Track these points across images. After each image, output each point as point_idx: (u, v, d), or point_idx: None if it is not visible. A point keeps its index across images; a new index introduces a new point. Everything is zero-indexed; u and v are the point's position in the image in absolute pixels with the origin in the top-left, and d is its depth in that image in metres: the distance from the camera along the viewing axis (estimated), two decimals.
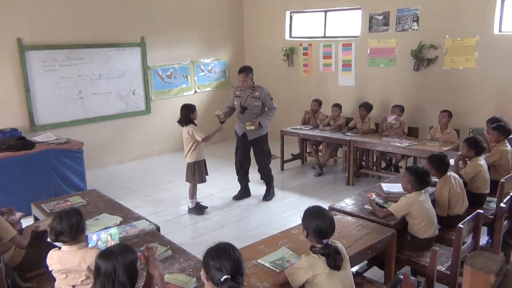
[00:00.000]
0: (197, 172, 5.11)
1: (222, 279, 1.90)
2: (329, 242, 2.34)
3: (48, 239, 2.75)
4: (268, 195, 5.69)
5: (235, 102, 5.45)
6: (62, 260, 2.39)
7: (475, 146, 3.99)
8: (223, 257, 1.94)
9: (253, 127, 5.32)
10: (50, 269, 2.44)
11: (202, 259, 2.03)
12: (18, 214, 3.31)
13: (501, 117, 5.17)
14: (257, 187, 6.03)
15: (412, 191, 3.23)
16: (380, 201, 3.49)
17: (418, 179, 3.21)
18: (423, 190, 3.26)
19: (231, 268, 1.92)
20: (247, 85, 5.31)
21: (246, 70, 5.30)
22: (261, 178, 5.75)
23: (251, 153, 5.61)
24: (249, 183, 5.81)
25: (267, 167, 5.66)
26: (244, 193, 5.76)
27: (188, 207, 5.28)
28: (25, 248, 2.98)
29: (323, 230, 2.34)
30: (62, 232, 2.41)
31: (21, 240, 2.94)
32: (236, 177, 5.74)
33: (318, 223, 2.35)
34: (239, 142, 5.60)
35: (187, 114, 4.96)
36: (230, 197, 5.76)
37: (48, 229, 2.57)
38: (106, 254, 2.05)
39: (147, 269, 2.28)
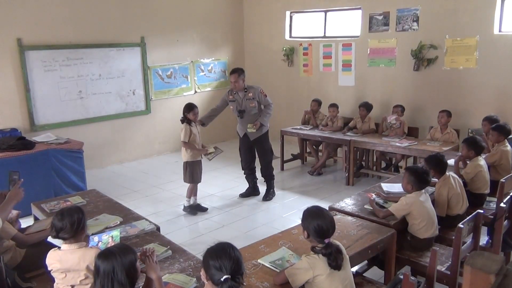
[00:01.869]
0: (188, 172, 5.09)
1: (222, 279, 1.90)
2: (331, 242, 2.34)
3: (49, 238, 2.74)
4: (268, 195, 5.68)
5: (231, 107, 5.41)
6: (62, 259, 2.39)
7: (474, 146, 4.00)
8: (223, 256, 1.94)
9: (254, 130, 5.32)
10: (49, 268, 2.44)
11: (202, 259, 2.02)
12: (15, 212, 3.29)
13: (496, 115, 5.17)
14: (259, 187, 6.05)
15: (412, 191, 3.24)
16: (380, 201, 3.49)
17: (418, 179, 3.22)
18: (423, 190, 3.26)
19: (231, 268, 1.92)
20: (238, 86, 5.26)
21: (238, 71, 5.28)
22: (262, 176, 5.75)
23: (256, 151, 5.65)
24: (257, 181, 5.84)
25: (268, 165, 5.65)
26: (251, 191, 5.78)
27: (184, 205, 5.28)
28: (25, 247, 2.98)
29: (324, 230, 2.34)
30: (62, 228, 2.41)
31: (24, 238, 2.93)
32: (240, 176, 5.77)
33: (318, 223, 2.34)
34: (241, 142, 5.63)
35: (184, 114, 4.98)
36: (230, 197, 5.77)
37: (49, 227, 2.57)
38: (105, 254, 2.05)
39: (146, 272, 2.28)
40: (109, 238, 2.71)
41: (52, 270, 2.43)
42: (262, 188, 5.77)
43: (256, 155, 5.66)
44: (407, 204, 3.18)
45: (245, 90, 5.31)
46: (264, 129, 5.47)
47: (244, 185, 5.91)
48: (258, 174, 5.81)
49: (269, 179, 5.71)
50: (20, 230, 3.27)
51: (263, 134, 5.49)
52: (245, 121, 5.38)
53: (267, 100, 5.38)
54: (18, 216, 3.41)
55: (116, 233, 2.78)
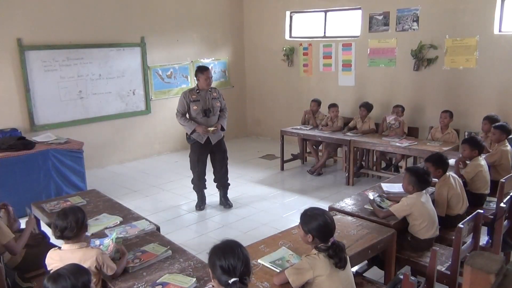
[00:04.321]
0: None
1: (230, 282, 1.84)
2: (335, 240, 2.34)
3: (51, 240, 2.73)
4: (228, 201, 5.44)
5: (194, 107, 4.98)
6: (62, 258, 2.39)
7: (477, 145, 4.00)
8: (231, 257, 1.87)
9: (215, 129, 5.02)
10: (49, 268, 2.44)
11: (208, 257, 1.96)
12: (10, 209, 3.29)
13: (497, 115, 5.18)
14: (257, 187, 6.05)
15: (413, 192, 3.22)
16: (378, 200, 3.47)
17: (419, 180, 3.20)
18: (424, 191, 3.25)
19: (240, 269, 1.87)
20: (210, 84, 5.03)
21: (209, 68, 5.09)
22: (220, 184, 5.42)
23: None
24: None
25: (227, 170, 5.40)
26: (204, 200, 5.49)
27: None
28: (15, 255, 2.97)
29: (330, 228, 2.34)
30: (67, 227, 2.41)
31: (15, 247, 2.92)
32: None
33: (321, 222, 2.33)
34: (201, 151, 5.16)
35: None
36: (230, 197, 5.71)
37: (51, 227, 2.57)
38: (54, 277, 1.89)
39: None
40: (110, 242, 2.70)
41: (52, 270, 2.43)
42: (260, 190, 5.73)
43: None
44: (408, 205, 3.17)
45: (210, 89, 5.06)
46: (223, 132, 5.25)
47: (244, 186, 5.90)
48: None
49: (227, 185, 5.46)
50: (19, 230, 3.29)
51: (223, 137, 5.25)
52: (211, 121, 5.05)
53: (224, 102, 5.21)
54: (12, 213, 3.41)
55: (114, 235, 2.77)
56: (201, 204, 5.41)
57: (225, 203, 5.45)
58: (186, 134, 5.14)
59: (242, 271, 1.87)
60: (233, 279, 1.84)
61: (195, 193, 5.44)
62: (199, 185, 5.38)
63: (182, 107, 5.03)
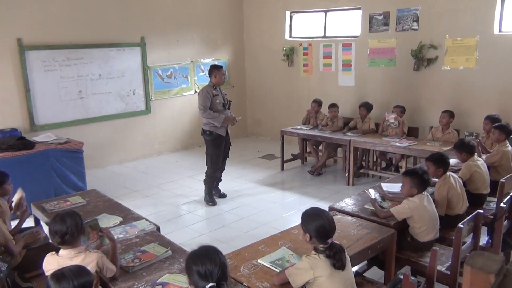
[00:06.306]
0: None
1: (207, 287, 1.83)
2: (334, 241, 2.34)
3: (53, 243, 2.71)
4: (222, 191, 5.77)
5: (217, 101, 5.31)
6: (60, 265, 2.32)
7: (464, 147, 3.99)
8: (207, 262, 1.86)
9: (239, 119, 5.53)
10: (47, 274, 2.37)
11: (185, 262, 1.95)
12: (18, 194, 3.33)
13: (498, 114, 5.17)
14: (257, 187, 6.04)
15: (416, 195, 3.21)
16: (379, 199, 3.47)
17: (421, 181, 3.17)
18: (425, 193, 3.23)
19: (216, 274, 1.85)
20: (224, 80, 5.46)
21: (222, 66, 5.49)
22: (221, 172, 5.71)
23: None
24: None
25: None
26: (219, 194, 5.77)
27: None
28: (14, 256, 2.97)
29: (327, 230, 2.33)
30: (67, 232, 2.36)
31: (13, 248, 2.94)
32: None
33: (319, 223, 2.33)
34: (223, 144, 5.46)
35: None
36: (230, 197, 5.74)
37: (49, 234, 2.53)
38: (57, 276, 1.94)
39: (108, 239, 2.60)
40: (88, 229, 2.61)
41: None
42: (260, 188, 5.75)
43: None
44: (409, 208, 3.16)
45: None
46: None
47: (244, 186, 5.89)
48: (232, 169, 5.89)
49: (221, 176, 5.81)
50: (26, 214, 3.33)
51: None
52: (227, 114, 5.39)
53: None
54: (22, 200, 3.42)
55: (94, 222, 2.68)
56: (212, 199, 5.55)
57: (220, 192, 5.70)
58: (206, 131, 5.34)
59: (219, 276, 1.85)
60: (210, 284, 1.82)
61: (195, 193, 5.45)
62: (214, 178, 5.60)
63: (208, 101, 5.24)
